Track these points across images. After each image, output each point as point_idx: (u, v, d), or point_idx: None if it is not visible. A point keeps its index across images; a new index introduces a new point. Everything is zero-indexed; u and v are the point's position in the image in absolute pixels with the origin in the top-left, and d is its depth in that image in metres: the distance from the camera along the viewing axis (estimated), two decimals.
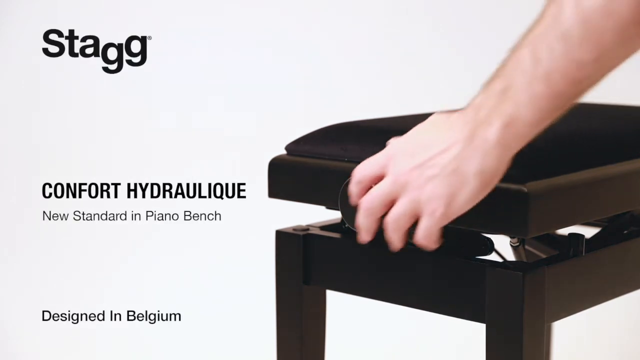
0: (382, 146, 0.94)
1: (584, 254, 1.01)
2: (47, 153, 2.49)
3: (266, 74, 2.57)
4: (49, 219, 2.45)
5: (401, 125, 0.99)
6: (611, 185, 1.02)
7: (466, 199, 0.86)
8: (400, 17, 2.56)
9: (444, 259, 1.00)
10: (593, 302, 1.03)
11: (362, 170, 0.92)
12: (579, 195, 0.97)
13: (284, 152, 1.15)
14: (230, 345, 2.13)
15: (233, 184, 2.52)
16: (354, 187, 0.93)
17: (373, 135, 1.05)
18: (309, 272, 1.11)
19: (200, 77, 2.56)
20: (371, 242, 1.08)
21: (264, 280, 1.64)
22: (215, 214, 2.48)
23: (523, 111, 0.82)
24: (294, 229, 1.13)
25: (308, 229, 1.13)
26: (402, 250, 1.04)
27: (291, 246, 1.12)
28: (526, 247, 1.14)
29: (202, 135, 2.54)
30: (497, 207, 0.92)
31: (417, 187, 0.87)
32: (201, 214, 2.48)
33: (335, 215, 1.21)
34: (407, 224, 0.90)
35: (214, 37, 2.57)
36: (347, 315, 1.94)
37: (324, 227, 1.14)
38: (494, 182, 0.87)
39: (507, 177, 0.93)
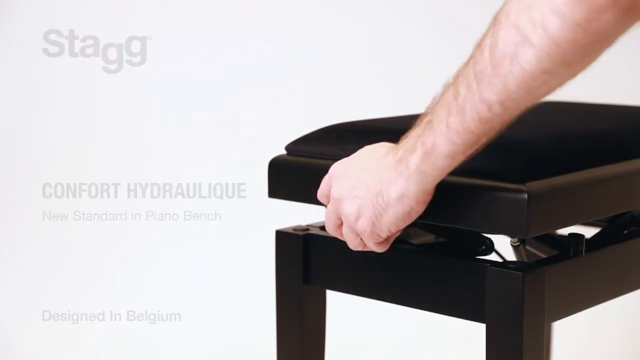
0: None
1: (584, 254, 1.01)
2: (47, 153, 2.49)
3: (266, 74, 2.57)
4: (49, 219, 2.45)
5: (400, 125, 0.99)
6: (611, 185, 1.02)
7: (390, 220, 0.92)
8: (400, 17, 2.56)
9: (444, 259, 1.00)
10: (593, 302, 1.03)
11: (319, 190, 1.01)
12: (579, 195, 0.97)
13: (283, 152, 1.15)
14: (230, 345, 2.13)
15: (233, 184, 2.52)
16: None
17: (372, 135, 1.05)
18: (309, 272, 1.11)
19: (200, 77, 2.56)
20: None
21: (264, 280, 1.64)
22: (215, 214, 2.48)
23: (440, 142, 0.87)
24: (294, 229, 1.13)
25: (308, 229, 1.13)
26: (403, 250, 1.04)
27: (291, 246, 1.12)
28: (527, 247, 1.14)
29: (202, 135, 2.54)
30: (497, 207, 0.92)
31: (347, 205, 0.95)
32: (201, 214, 2.49)
33: None
34: (352, 235, 0.97)
35: (214, 37, 2.57)
36: (347, 315, 1.94)
37: (324, 227, 1.14)
38: (418, 207, 0.92)
39: (507, 177, 0.93)
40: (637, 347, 2.17)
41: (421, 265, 1.02)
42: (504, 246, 1.24)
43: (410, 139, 0.91)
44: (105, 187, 2.50)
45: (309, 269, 1.11)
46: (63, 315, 2.23)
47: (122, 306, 2.27)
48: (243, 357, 2.09)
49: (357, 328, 2.15)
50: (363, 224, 0.94)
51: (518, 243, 1.05)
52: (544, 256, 1.14)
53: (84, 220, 2.46)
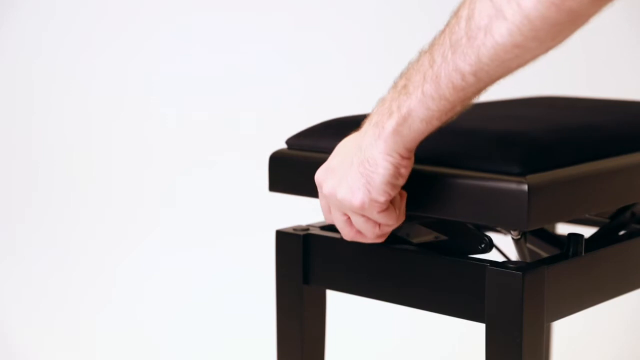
0: None
1: (583, 253, 1.01)
2: (47, 153, 2.49)
3: (266, 74, 2.57)
4: (49, 219, 2.45)
5: None
6: (612, 178, 1.02)
7: (383, 180, 0.93)
8: (400, 12, 2.56)
9: (444, 259, 1.00)
10: (593, 302, 1.03)
11: (323, 212, 1.01)
12: (580, 188, 0.97)
13: (284, 146, 1.15)
14: (230, 345, 2.13)
15: (233, 184, 2.52)
16: None
17: None
18: (309, 272, 1.11)
19: (200, 77, 2.56)
20: (371, 243, 1.08)
21: (264, 280, 1.64)
22: (216, 214, 2.49)
23: (415, 107, 0.89)
24: (294, 229, 1.13)
25: (308, 229, 1.13)
26: (402, 250, 1.05)
27: (291, 246, 1.12)
28: (528, 245, 1.13)
29: (202, 135, 2.54)
30: (497, 200, 0.93)
31: (340, 191, 0.95)
32: (201, 214, 2.49)
33: None
34: (347, 225, 0.98)
35: (214, 36, 2.57)
36: (347, 315, 1.94)
37: (324, 227, 1.14)
38: (404, 162, 0.92)
39: (507, 170, 0.93)
40: (637, 347, 2.17)
41: (421, 265, 1.02)
42: (504, 246, 1.24)
43: (384, 102, 0.92)
44: (105, 187, 2.50)
45: (309, 269, 1.11)
46: (63, 315, 2.23)
47: (122, 306, 2.27)
48: (243, 357, 2.09)
49: (357, 328, 2.15)
50: (359, 197, 0.94)
51: (519, 236, 1.05)
52: (544, 254, 1.14)
53: (84, 220, 2.47)
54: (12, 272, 2.35)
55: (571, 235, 1.02)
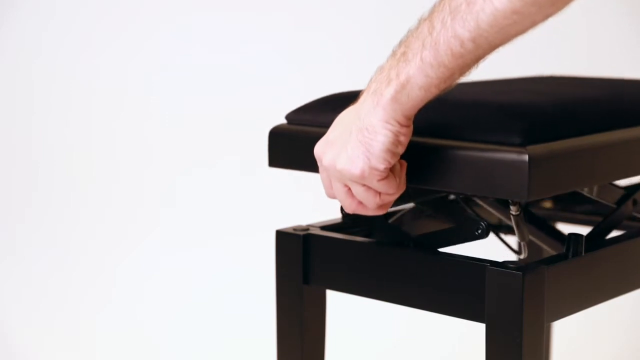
0: None
1: (583, 253, 1.01)
2: (47, 153, 2.49)
3: (266, 71, 2.56)
4: (49, 219, 2.45)
5: None
6: (612, 151, 1.01)
7: (382, 147, 0.92)
8: (400, 12, 2.56)
9: (444, 259, 1.00)
10: (593, 302, 1.03)
11: (325, 189, 1.01)
12: (580, 160, 0.97)
13: (284, 121, 1.15)
14: (230, 346, 2.13)
15: (233, 184, 2.52)
16: None
17: None
18: (309, 272, 1.11)
19: (200, 76, 2.56)
20: (371, 243, 1.08)
21: (264, 280, 1.64)
22: (216, 214, 2.49)
23: (414, 74, 0.89)
24: (294, 229, 1.13)
25: (308, 229, 1.13)
26: (402, 250, 1.04)
27: (291, 246, 1.12)
28: (531, 237, 1.12)
29: (202, 136, 2.54)
30: (497, 171, 0.92)
31: (340, 161, 0.95)
32: (201, 214, 2.49)
33: (335, 215, 1.21)
34: (348, 197, 0.97)
35: (215, 33, 2.57)
36: (347, 315, 1.94)
37: (324, 227, 1.14)
38: (403, 130, 0.92)
39: (507, 141, 0.93)
40: (638, 347, 2.17)
41: (421, 265, 1.02)
42: (503, 246, 1.24)
43: (383, 70, 0.93)
44: (105, 187, 2.50)
45: (309, 269, 1.11)
46: (63, 315, 2.23)
47: (122, 306, 2.27)
48: (243, 357, 2.09)
49: (357, 328, 2.15)
50: (359, 165, 0.93)
51: (518, 212, 1.05)
52: (544, 246, 1.13)
53: (84, 220, 2.47)
54: (12, 272, 2.35)
55: (571, 235, 1.02)
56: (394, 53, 0.92)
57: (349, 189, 0.97)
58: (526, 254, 1.12)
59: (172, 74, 2.54)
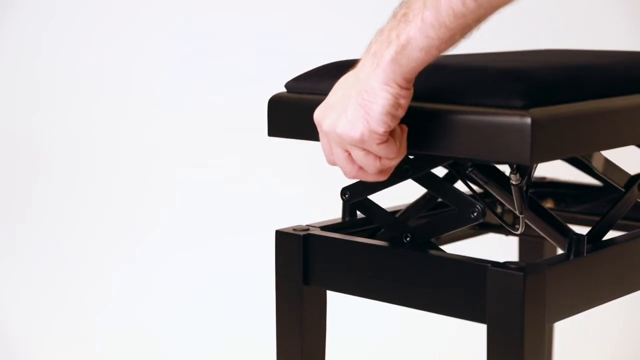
0: None
1: (585, 254, 1.01)
2: (47, 153, 2.49)
3: (266, 71, 2.56)
4: (49, 219, 2.45)
5: None
6: (615, 117, 1.00)
7: (381, 110, 0.91)
8: None
9: (445, 259, 1.00)
10: (594, 303, 1.03)
11: (325, 156, 0.99)
12: (583, 125, 0.96)
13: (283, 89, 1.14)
14: (230, 346, 2.13)
15: (233, 184, 2.52)
16: None
17: None
18: (309, 272, 1.11)
19: (201, 76, 2.56)
20: (371, 243, 1.08)
21: (264, 280, 1.64)
22: (216, 214, 2.48)
23: (414, 35, 0.88)
24: (294, 229, 1.13)
25: (308, 229, 1.13)
26: (402, 250, 1.04)
27: (291, 246, 1.11)
28: (525, 220, 1.10)
29: (202, 135, 2.54)
30: (499, 134, 0.91)
31: (340, 125, 0.94)
32: (202, 213, 2.48)
33: (335, 215, 1.21)
34: (348, 162, 0.97)
35: (215, 33, 2.57)
36: (347, 315, 1.94)
37: (324, 227, 1.14)
38: (403, 92, 0.91)
39: (509, 104, 0.92)
40: (638, 347, 2.16)
41: (421, 266, 1.02)
42: (504, 246, 1.24)
43: (383, 32, 0.92)
44: (105, 187, 2.50)
45: (309, 269, 1.11)
46: (63, 315, 2.23)
47: (121, 306, 2.27)
48: (243, 357, 2.09)
49: (357, 328, 2.15)
50: (359, 128, 0.92)
51: (518, 181, 1.03)
52: (542, 234, 1.12)
53: (84, 220, 2.46)
54: (12, 272, 2.34)
55: (573, 235, 1.01)
56: (394, 14, 0.91)
57: (349, 154, 0.96)
58: (522, 229, 1.10)
59: (173, 74, 2.54)
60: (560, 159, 0.97)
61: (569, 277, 0.98)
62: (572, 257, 1.00)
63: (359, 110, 0.92)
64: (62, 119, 2.50)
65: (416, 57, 0.89)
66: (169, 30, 2.54)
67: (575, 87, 0.98)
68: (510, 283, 0.93)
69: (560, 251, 1.06)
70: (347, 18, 2.58)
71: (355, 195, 1.12)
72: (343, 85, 0.96)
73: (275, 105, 1.11)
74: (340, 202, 1.19)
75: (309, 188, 2.47)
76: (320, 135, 0.98)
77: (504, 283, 0.94)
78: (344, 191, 1.12)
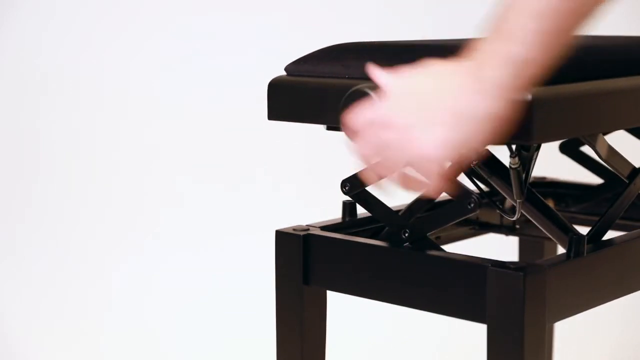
0: (385, 62, 0.92)
1: (585, 254, 1.01)
2: (47, 153, 2.49)
3: (266, 71, 2.56)
4: (49, 219, 2.45)
5: (404, 45, 0.98)
6: (617, 98, 1.00)
7: (479, 140, 0.84)
8: (400, 12, 2.56)
9: (445, 259, 1.00)
10: (594, 303, 1.03)
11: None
12: (585, 105, 0.95)
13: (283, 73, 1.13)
14: (230, 346, 2.13)
15: (233, 184, 2.52)
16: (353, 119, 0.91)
17: (375, 53, 1.03)
18: (308, 272, 1.11)
19: (201, 76, 2.56)
20: (371, 243, 1.07)
21: (264, 280, 1.64)
22: (216, 213, 2.48)
23: (525, 52, 0.80)
24: (294, 229, 1.13)
25: (308, 229, 1.13)
26: (402, 250, 1.04)
27: (291, 246, 1.11)
28: (522, 212, 1.10)
29: (202, 135, 2.54)
30: None
31: (425, 135, 0.84)
32: (202, 213, 2.48)
33: (335, 215, 1.21)
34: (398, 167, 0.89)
35: (215, 33, 2.57)
36: (347, 315, 1.94)
37: (324, 227, 1.14)
38: (507, 126, 0.85)
39: None
40: (638, 347, 2.16)
41: (421, 266, 1.01)
42: (504, 246, 1.24)
43: (487, 52, 0.82)
44: (105, 187, 2.50)
45: (309, 269, 1.11)
46: (63, 315, 2.23)
47: (122, 306, 2.27)
48: (243, 357, 2.09)
49: (357, 328, 2.15)
50: (438, 150, 0.83)
51: (517, 164, 1.02)
52: (539, 226, 1.11)
53: (84, 220, 2.46)
54: (12, 272, 2.34)
55: (573, 235, 1.01)
56: (493, 32, 0.81)
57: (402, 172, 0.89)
58: (519, 215, 1.10)
59: (173, 74, 2.54)
60: (563, 139, 0.95)
61: (569, 277, 0.98)
62: (572, 257, 1.00)
63: (454, 132, 0.83)
64: (62, 119, 2.50)
65: (530, 74, 0.82)
66: (169, 30, 2.54)
67: (577, 68, 0.97)
68: (510, 283, 0.93)
69: (560, 251, 1.06)
70: (347, 18, 2.57)
71: (356, 187, 1.11)
72: (440, 82, 0.84)
73: (275, 89, 1.11)
74: (340, 202, 1.19)
75: (309, 188, 2.47)
76: (381, 130, 0.87)
77: (504, 283, 0.94)
78: (344, 183, 1.11)
